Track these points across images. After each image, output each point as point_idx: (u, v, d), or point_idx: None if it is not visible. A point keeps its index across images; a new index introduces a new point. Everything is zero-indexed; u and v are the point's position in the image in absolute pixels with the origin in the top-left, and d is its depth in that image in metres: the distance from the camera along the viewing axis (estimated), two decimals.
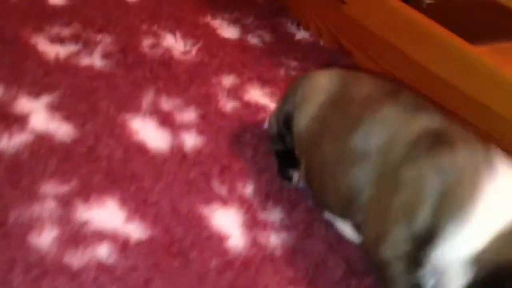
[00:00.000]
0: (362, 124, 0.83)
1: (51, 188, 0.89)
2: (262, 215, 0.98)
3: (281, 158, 1.05)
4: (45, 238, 0.80)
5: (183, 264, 0.83)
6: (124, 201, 0.91)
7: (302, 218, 1.00)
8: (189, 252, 0.86)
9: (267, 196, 1.02)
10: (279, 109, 1.05)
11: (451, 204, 0.68)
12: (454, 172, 0.70)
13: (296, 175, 1.02)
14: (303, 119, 0.94)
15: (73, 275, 0.77)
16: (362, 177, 0.80)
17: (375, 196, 0.78)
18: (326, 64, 1.49)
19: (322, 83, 0.94)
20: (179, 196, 0.96)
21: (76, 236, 0.82)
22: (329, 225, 1.00)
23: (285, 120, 1.00)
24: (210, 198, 0.97)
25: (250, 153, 1.11)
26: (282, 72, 1.43)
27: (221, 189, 1.00)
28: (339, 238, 0.96)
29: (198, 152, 1.07)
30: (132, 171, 0.97)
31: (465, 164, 0.70)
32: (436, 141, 0.74)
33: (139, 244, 0.84)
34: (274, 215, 0.99)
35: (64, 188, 0.89)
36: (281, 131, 1.03)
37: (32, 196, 0.86)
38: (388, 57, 1.37)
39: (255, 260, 0.89)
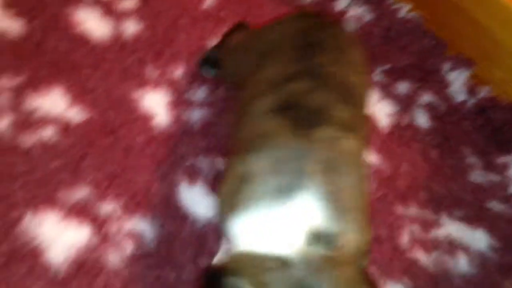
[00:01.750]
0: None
1: (6, 82, 1.09)
2: (187, 95, 1.16)
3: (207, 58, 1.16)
4: (2, 124, 1.02)
5: (113, 141, 1.05)
6: (67, 89, 1.11)
7: (223, 96, 1.18)
8: (119, 131, 1.07)
9: (194, 77, 1.19)
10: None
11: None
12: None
13: (214, 72, 1.17)
14: None
15: (25, 152, 1.00)
16: None
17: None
18: None
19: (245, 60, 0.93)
20: (115, 82, 1.14)
21: (27, 121, 1.04)
22: None
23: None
24: (142, 82, 1.16)
25: (184, 37, 1.26)
26: None
27: (153, 74, 1.18)
28: None
29: (136, 39, 1.23)
30: (74, 62, 1.15)
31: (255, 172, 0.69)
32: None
33: (78, 126, 1.06)
34: (198, 94, 1.17)
35: (17, 81, 1.09)
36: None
37: None
38: None
39: (176, 134, 1.10)
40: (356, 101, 0.79)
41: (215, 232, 0.97)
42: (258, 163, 0.68)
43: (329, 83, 0.77)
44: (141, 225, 0.95)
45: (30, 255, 0.87)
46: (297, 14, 0.94)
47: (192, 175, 1.04)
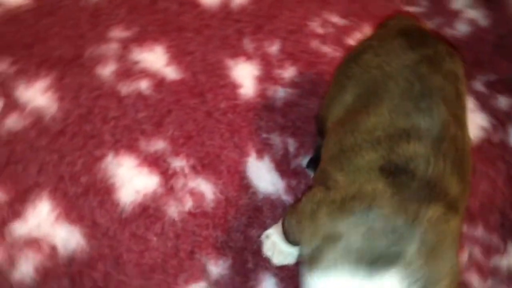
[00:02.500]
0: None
1: (117, 33, 1.20)
2: (277, 72, 1.20)
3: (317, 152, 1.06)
4: (106, 71, 1.14)
5: (198, 103, 1.13)
6: (168, 48, 1.20)
7: (311, 78, 1.20)
8: (206, 94, 1.15)
9: (287, 56, 1.23)
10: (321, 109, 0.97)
11: None
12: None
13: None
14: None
15: (120, 99, 1.11)
16: None
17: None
18: None
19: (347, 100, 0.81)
20: (213, 48, 1.21)
21: (128, 71, 1.15)
22: None
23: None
24: (238, 53, 1.22)
25: (286, 15, 1.29)
26: None
27: (249, 46, 1.23)
28: None
29: (241, 10, 1.28)
30: (181, 24, 1.24)
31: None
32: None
33: (171, 83, 1.15)
34: (288, 73, 1.20)
35: (126, 34, 1.20)
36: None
37: (103, 38, 1.19)
38: None
39: (257, 107, 1.15)
40: (466, 171, 0.70)
41: (270, 207, 1.02)
42: (349, 227, 0.63)
43: (448, 151, 0.68)
44: (203, 186, 1.02)
45: (104, 190, 0.99)
46: (399, 29, 0.82)
47: (262, 149, 1.08)
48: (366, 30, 1.28)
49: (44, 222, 0.94)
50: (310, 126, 1.13)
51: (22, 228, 0.93)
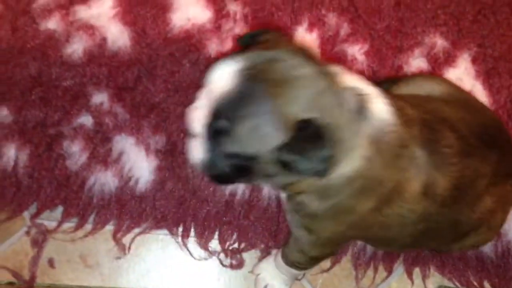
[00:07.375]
0: None
1: None
2: None
3: None
4: None
5: None
6: None
7: None
8: None
9: None
10: None
11: None
12: None
13: None
14: None
15: None
16: None
17: None
18: None
19: None
20: None
21: None
22: None
23: None
24: None
25: None
26: None
27: None
28: None
29: None
30: None
31: None
32: None
33: None
34: None
35: None
36: None
37: None
38: None
39: None
40: None
41: None
42: None
43: None
44: None
45: (162, 6, 1.09)
46: None
47: (315, 24, 1.11)
48: None
49: (104, 15, 1.07)
50: (371, 20, 1.13)
51: (84, 12, 1.07)
